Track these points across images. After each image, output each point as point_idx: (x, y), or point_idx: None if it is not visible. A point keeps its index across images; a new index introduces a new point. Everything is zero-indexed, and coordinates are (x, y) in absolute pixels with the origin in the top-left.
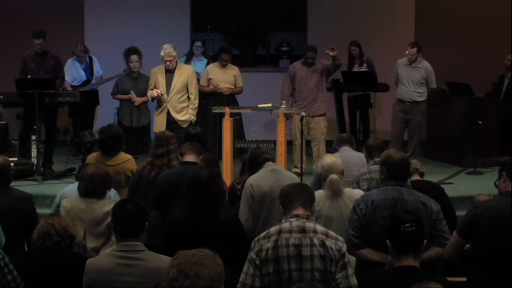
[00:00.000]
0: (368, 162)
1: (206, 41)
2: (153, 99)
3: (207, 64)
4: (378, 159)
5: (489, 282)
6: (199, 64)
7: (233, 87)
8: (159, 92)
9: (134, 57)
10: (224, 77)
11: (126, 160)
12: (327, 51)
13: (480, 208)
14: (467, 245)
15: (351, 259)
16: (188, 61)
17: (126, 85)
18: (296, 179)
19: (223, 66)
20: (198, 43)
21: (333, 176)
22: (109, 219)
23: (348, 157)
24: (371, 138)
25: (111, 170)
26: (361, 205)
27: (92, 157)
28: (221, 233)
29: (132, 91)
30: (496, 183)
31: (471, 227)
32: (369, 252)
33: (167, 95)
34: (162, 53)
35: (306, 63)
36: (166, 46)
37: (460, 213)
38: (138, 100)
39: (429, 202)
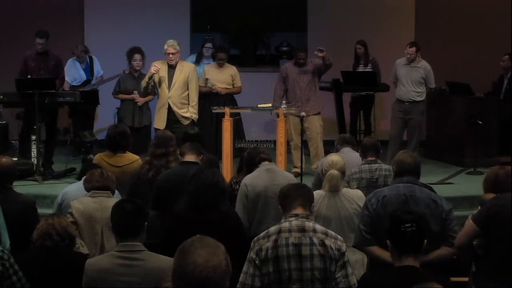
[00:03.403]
0: (362, 161)
1: None
2: (150, 78)
3: None
4: (371, 159)
5: (499, 277)
6: (206, 67)
7: (230, 87)
8: (156, 68)
9: (137, 56)
10: (220, 76)
11: (133, 161)
12: (315, 52)
13: (500, 199)
14: (475, 242)
15: (362, 258)
16: (198, 61)
17: (127, 85)
18: (292, 179)
19: (220, 65)
20: (209, 44)
21: (334, 171)
22: None
23: (349, 158)
24: (367, 137)
25: (118, 171)
26: (373, 200)
27: (99, 157)
28: (221, 225)
29: (135, 92)
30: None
31: (489, 217)
32: (379, 251)
33: (168, 91)
34: (165, 47)
35: (297, 64)
36: (170, 40)
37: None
38: (141, 100)
39: (440, 200)
